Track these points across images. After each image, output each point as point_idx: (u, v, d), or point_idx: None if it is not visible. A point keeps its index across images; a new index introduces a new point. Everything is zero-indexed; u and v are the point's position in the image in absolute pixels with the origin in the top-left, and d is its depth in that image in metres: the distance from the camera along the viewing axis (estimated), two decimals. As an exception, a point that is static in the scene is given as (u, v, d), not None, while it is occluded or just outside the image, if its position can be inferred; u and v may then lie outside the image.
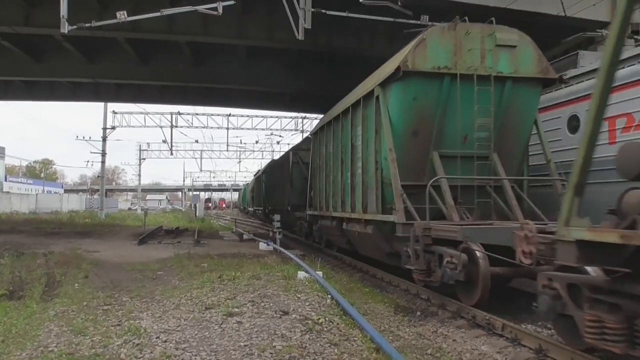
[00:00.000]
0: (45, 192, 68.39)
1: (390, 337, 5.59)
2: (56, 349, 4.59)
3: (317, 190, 14.15)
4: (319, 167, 13.88)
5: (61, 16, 12.64)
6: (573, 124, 9.59)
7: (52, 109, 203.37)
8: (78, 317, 5.88)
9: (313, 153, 15.02)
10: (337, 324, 5.42)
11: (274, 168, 26.16)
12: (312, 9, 12.69)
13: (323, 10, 13.08)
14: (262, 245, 14.68)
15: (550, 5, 13.67)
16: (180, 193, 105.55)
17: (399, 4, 12.98)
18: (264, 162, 43.19)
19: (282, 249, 13.15)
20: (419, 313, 7.11)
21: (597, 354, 4.53)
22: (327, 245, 14.85)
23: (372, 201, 9.15)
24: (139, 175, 59.20)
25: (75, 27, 12.93)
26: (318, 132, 14.22)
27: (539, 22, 13.97)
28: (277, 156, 37.22)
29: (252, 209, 44.43)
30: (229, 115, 38.62)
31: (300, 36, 12.74)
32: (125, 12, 12.56)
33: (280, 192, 21.86)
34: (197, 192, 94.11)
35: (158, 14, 12.97)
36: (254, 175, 43.10)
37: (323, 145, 13.42)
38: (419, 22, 12.79)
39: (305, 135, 32.06)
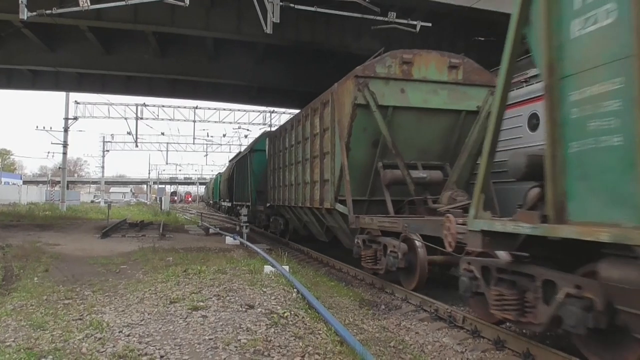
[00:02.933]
0: (3, 183, 65.97)
1: (355, 330, 5.68)
2: (14, 343, 4.48)
3: None
4: None
5: (20, 1, 12.23)
6: (533, 122, 9.88)
7: (10, 97, 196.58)
8: (37, 312, 5.74)
9: None
10: (303, 317, 5.46)
11: (280, 136, 15.05)
12: (281, 3, 12.66)
13: (292, 5, 13.07)
14: (229, 240, 14.60)
15: (512, 4, 14.01)
16: (145, 186, 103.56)
17: (367, 0, 13.09)
18: (232, 156, 41.35)
19: (248, 243, 13.11)
20: (383, 307, 7.24)
21: (548, 342, 4.72)
22: None
23: None
24: (102, 167, 57.92)
25: (35, 13, 12.53)
26: None
27: (502, 21, 14.30)
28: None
29: (227, 205, 32.08)
30: (196, 107, 38.17)
31: (268, 30, 12.70)
32: (88, -1, 12.25)
33: (296, 179, 12.69)
34: (163, 185, 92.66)
35: (123, 2, 12.68)
36: (230, 161, 33.97)
37: None
38: (386, 19, 12.92)
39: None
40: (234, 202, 26.07)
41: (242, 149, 31.70)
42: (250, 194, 19.74)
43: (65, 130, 36.52)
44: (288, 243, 15.21)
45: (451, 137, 9.10)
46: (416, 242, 7.27)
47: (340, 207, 9.40)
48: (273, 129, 27.44)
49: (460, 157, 8.84)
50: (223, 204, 35.48)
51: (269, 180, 16.67)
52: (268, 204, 16.61)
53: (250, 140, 35.90)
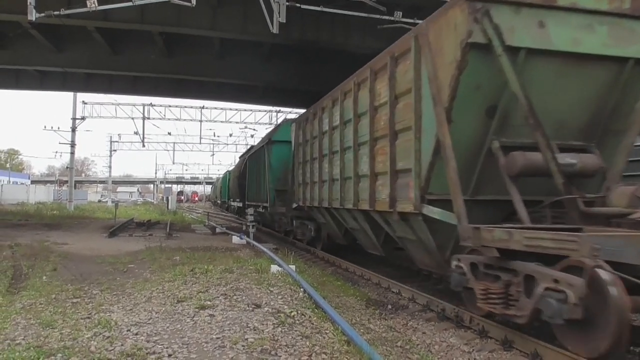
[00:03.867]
0: (11, 182, 66.42)
1: (361, 330, 5.68)
2: (24, 341, 4.52)
3: None
4: None
5: (28, 3, 12.31)
6: None
7: (18, 97, 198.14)
8: (46, 310, 5.80)
9: None
10: (309, 317, 5.47)
11: (314, 118, 11.57)
12: (287, 3, 12.68)
13: (298, 5, 13.08)
14: (235, 239, 14.63)
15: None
16: (152, 185, 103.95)
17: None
18: (238, 155, 40.86)
19: (255, 243, 13.13)
20: (389, 306, 7.24)
21: (557, 342, 4.69)
22: None
23: None
24: (110, 166, 58.26)
25: (43, 14, 12.61)
26: None
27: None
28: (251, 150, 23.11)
29: (237, 205, 28.29)
30: (203, 107, 38.28)
31: (274, 30, 12.71)
32: (95, 0, 12.29)
33: (342, 173, 9.54)
34: (170, 185, 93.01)
35: (130, 3, 12.73)
36: (241, 156, 30.27)
37: None
38: (392, 19, 12.90)
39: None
40: (247, 202, 22.35)
41: (249, 148, 29.27)
42: (267, 193, 16.67)
43: (73, 130, 36.76)
44: (295, 242, 15.12)
45: (606, 101, 5.93)
46: (602, 274, 4.11)
47: (433, 212, 6.17)
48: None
49: (629, 134, 5.97)
50: (233, 204, 31.41)
51: (296, 176, 13.49)
52: (295, 205, 13.62)
53: (257, 140, 34.16)
